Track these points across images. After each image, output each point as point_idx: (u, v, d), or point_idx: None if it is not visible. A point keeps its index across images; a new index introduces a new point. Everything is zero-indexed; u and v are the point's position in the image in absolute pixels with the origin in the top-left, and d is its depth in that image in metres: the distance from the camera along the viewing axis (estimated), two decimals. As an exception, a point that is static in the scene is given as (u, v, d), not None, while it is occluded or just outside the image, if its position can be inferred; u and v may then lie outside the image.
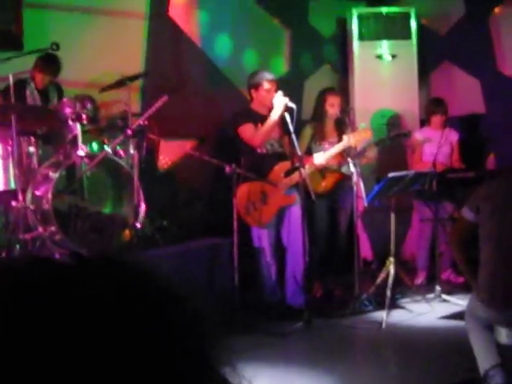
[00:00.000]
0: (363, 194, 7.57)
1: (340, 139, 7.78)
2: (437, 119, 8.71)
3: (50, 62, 7.40)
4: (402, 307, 7.52)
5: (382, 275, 7.44)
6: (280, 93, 7.29)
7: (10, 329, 0.96)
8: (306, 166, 7.17)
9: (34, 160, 6.82)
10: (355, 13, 9.84)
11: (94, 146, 7.26)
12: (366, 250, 9.26)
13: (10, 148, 6.58)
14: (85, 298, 0.99)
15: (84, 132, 6.91)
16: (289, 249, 7.48)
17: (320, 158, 7.64)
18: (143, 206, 6.88)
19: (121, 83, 7.25)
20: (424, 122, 9.22)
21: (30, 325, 0.96)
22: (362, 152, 7.99)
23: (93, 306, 0.98)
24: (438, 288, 7.76)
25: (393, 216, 7.52)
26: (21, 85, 7.30)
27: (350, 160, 7.56)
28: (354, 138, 7.65)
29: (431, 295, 7.74)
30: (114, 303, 1.00)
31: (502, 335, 4.54)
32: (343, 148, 7.71)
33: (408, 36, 9.86)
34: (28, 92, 7.37)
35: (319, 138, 8.08)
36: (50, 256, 1.09)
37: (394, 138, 8.24)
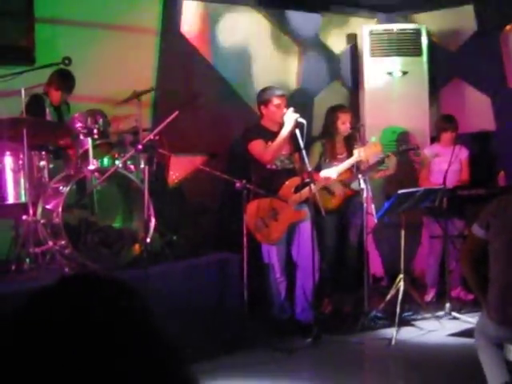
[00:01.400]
0: (373, 211, 7.57)
1: (350, 156, 7.80)
2: (447, 136, 8.70)
3: (67, 78, 7.44)
4: (412, 324, 7.50)
5: (392, 292, 7.43)
6: (291, 109, 7.30)
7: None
8: (316, 182, 7.17)
9: (45, 174, 6.84)
10: (366, 29, 9.87)
11: (105, 160, 7.29)
12: (376, 266, 9.25)
13: (21, 162, 6.60)
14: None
15: (95, 146, 6.92)
16: (299, 265, 7.47)
17: (331, 172, 7.65)
18: (153, 221, 6.89)
19: (133, 98, 7.29)
20: (434, 139, 9.21)
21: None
22: (374, 166, 7.99)
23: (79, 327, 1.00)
24: (447, 305, 7.75)
25: (403, 233, 7.51)
26: (40, 100, 7.35)
27: (360, 176, 7.57)
28: (365, 152, 7.67)
29: (441, 312, 7.73)
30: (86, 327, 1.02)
31: (512, 353, 4.52)
32: (354, 162, 7.73)
33: (419, 53, 9.87)
34: (48, 109, 7.41)
35: (329, 155, 8.08)
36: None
37: (403, 152, 8.23)
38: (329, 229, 8.09)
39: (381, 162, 8.01)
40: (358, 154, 7.65)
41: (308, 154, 7.48)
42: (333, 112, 8.18)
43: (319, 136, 8.34)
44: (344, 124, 8.04)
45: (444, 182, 7.91)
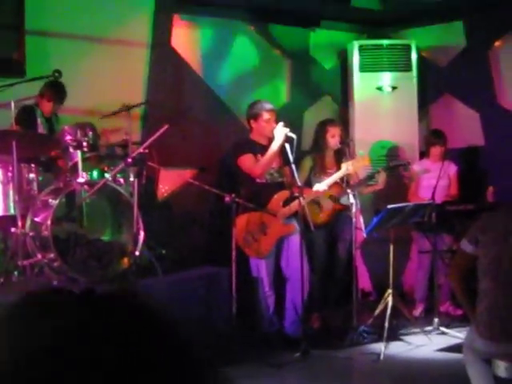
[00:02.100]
0: (362, 226, 7.58)
1: (339, 170, 7.81)
2: (436, 151, 8.72)
3: (59, 90, 7.44)
4: (401, 339, 7.49)
5: (381, 307, 7.43)
6: (281, 123, 7.30)
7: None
8: (305, 196, 7.18)
9: (34, 186, 6.83)
10: (356, 44, 9.90)
11: (95, 173, 7.28)
12: (364, 281, 9.25)
13: (10, 174, 6.59)
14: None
15: (84, 159, 6.91)
16: (288, 278, 7.46)
17: (321, 185, 7.67)
18: (142, 234, 6.88)
19: (122, 111, 7.29)
20: (423, 154, 9.23)
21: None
22: (364, 181, 8.02)
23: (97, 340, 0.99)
24: (436, 320, 7.75)
25: (391, 247, 7.51)
26: (31, 112, 7.35)
27: (349, 191, 7.58)
28: (353, 166, 7.69)
29: (429, 327, 7.73)
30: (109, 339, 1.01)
31: (501, 368, 4.51)
32: (342, 175, 7.74)
33: (408, 68, 9.91)
34: (39, 120, 7.40)
35: (319, 169, 8.09)
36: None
37: (393, 167, 8.26)
38: (318, 243, 8.10)
39: (370, 177, 8.03)
40: (346, 167, 7.67)
41: (298, 168, 7.49)
42: (322, 126, 8.21)
43: (309, 150, 8.35)
44: (333, 138, 8.06)
45: (433, 197, 7.92)
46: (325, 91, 10.40)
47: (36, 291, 1.10)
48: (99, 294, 1.09)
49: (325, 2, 9.54)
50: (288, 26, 9.99)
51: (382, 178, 7.99)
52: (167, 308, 1.12)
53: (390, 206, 7.23)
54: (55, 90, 7.43)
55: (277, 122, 7.36)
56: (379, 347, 7.05)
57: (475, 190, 9.20)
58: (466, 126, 9.99)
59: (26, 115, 7.25)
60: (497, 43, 9.78)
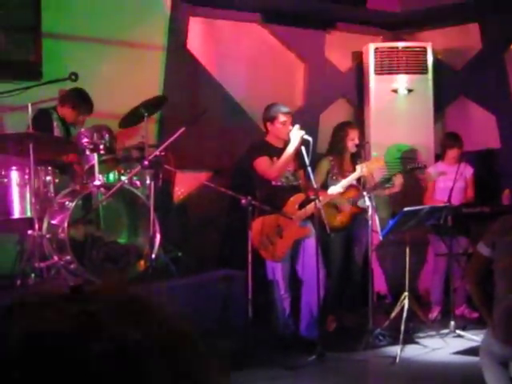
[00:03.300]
0: (378, 228, 7.57)
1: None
2: (453, 153, 8.71)
3: (86, 101, 7.45)
4: (416, 342, 7.48)
5: (397, 309, 7.41)
6: (297, 126, 7.30)
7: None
8: (321, 198, 7.17)
9: (51, 189, 6.86)
10: (372, 47, 9.89)
11: (111, 176, 7.31)
12: (380, 284, 9.23)
13: (27, 176, 6.62)
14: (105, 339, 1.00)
15: (101, 162, 6.94)
16: (304, 281, 7.46)
17: (337, 188, 7.66)
18: (158, 237, 6.89)
19: (141, 116, 7.31)
20: (439, 157, 9.21)
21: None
22: (381, 184, 8.00)
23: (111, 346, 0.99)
24: (452, 323, 7.73)
25: (407, 250, 7.50)
26: (47, 115, 7.37)
27: (365, 193, 7.57)
28: (367, 167, 7.67)
29: (445, 330, 7.72)
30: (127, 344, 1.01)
31: (517, 372, 4.50)
32: (357, 177, 7.73)
33: (424, 71, 9.90)
34: (55, 123, 7.42)
35: (337, 172, 8.07)
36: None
37: (410, 171, 8.25)
38: (334, 246, 8.08)
39: (387, 180, 8.01)
40: (361, 169, 7.65)
41: (314, 170, 7.48)
42: (342, 128, 8.19)
43: (326, 153, 8.33)
44: (353, 140, 8.05)
45: (449, 200, 7.90)
46: (340, 94, 10.39)
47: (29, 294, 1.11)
48: (87, 291, 1.08)
49: (340, 4, 9.53)
50: (304, 28, 9.99)
51: (398, 181, 7.96)
52: (162, 304, 1.12)
53: (406, 209, 7.22)
54: (81, 99, 7.44)
55: (293, 124, 7.36)
56: (395, 350, 7.03)
57: (491, 192, 9.18)
58: (482, 128, 9.97)
59: (42, 118, 7.28)
60: (513, 45, 9.76)
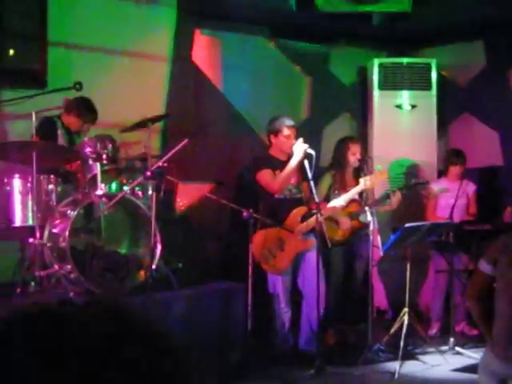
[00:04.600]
0: (379, 243, 7.57)
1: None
2: (455, 170, 8.71)
3: (91, 110, 7.47)
4: (416, 358, 7.46)
5: (396, 325, 7.40)
6: (300, 140, 7.31)
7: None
8: (323, 212, 7.17)
9: (53, 197, 6.85)
10: (376, 62, 9.91)
11: (113, 186, 7.30)
12: (380, 299, 9.22)
13: (29, 185, 6.61)
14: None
15: (103, 172, 6.93)
16: (304, 294, 7.46)
17: (339, 201, 7.66)
18: (159, 248, 6.88)
19: (142, 125, 7.30)
20: (442, 173, 9.22)
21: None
22: (381, 200, 7.99)
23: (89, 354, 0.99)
24: (451, 340, 7.71)
25: (408, 266, 7.49)
26: (52, 123, 7.37)
27: (367, 208, 7.56)
28: (371, 181, 7.67)
29: (445, 347, 7.70)
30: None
31: (517, 390, 4.49)
32: (360, 191, 7.74)
33: (428, 87, 9.91)
34: (59, 132, 7.43)
35: (338, 186, 8.07)
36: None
37: (412, 186, 8.23)
38: (336, 260, 8.07)
39: (385, 198, 7.99)
40: (364, 182, 7.66)
41: (317, 184, 7.49)
42: (343, 143, 8.20)
43: (328, 167, 8.32)
44: (354, 155, 8.05)
45: (451, 217, 7.90)
46: (344, 108, 10.40)
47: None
48: (75, 305, 1.09)
49: (345, 19, 9.55)
50: (308, 43, 10.01)
51: (395, 199, 7.90)
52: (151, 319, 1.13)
53: (407, 225, 7.21)
54: (87, 109, 7.46)
55: (296, 138, 7.37)
56: (394, 366, 7.02)
57: (493, 210, 9.17)
58: (485, 145, 9.97)
59: (47, 127, 7.28)
60: (517, 63, 9.77)
